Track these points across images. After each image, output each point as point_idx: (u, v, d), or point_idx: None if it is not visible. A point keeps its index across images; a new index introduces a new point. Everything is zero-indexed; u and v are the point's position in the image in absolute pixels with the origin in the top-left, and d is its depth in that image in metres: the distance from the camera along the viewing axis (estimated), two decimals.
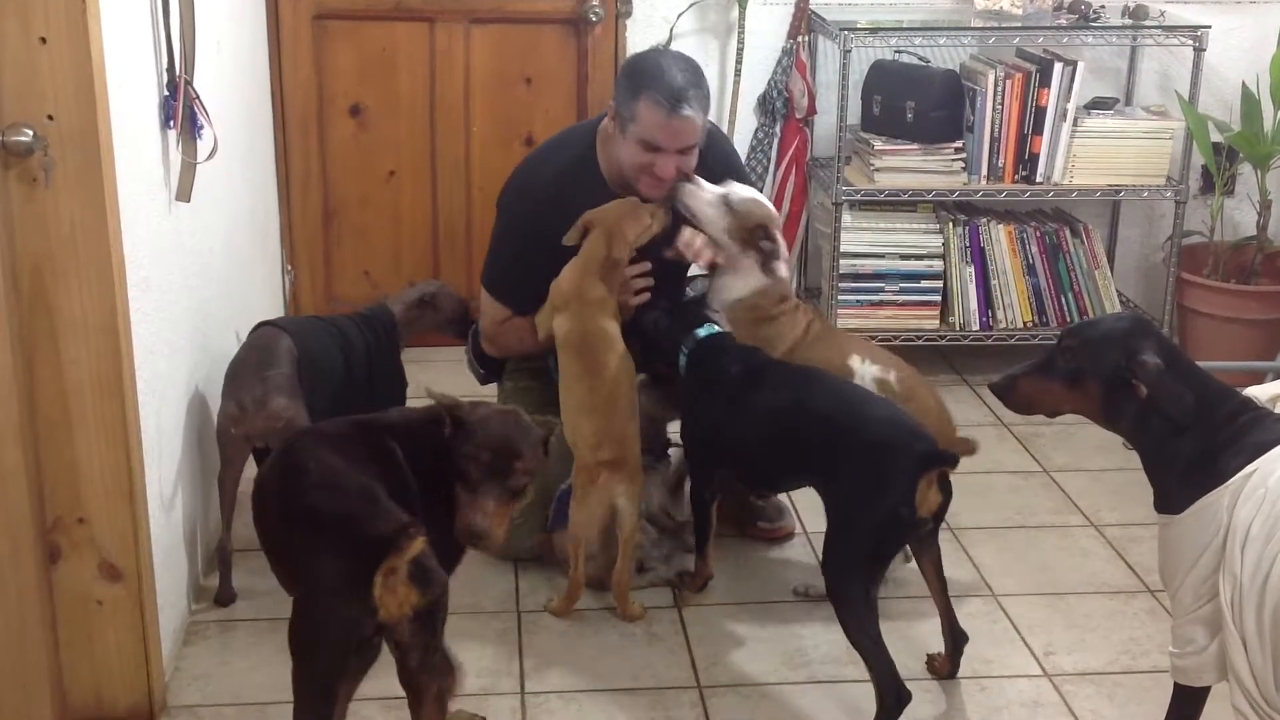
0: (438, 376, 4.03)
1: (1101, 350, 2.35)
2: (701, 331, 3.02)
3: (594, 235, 2.99)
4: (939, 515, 2.66)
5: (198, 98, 2.83)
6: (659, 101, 2.97)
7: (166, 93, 2.75)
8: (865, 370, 3.05)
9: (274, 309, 4.22)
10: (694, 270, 3.33)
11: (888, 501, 2.56)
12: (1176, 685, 2.40)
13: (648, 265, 3.08)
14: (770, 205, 3.21)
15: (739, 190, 3.10)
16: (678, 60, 3.07)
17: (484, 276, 3.34)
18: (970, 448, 2.90)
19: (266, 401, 2.88)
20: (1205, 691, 2.37)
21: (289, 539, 2.31)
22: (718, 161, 3.22)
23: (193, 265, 3.07)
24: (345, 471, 2.30)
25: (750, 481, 3.12)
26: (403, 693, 2.77)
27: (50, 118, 2.30)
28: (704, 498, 3.05)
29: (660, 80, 2.98)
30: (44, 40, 2.27)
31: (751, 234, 3.06)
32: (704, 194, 3.06)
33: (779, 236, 3.11)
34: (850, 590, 2.59)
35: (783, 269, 3.11)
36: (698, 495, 3.06)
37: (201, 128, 2.85)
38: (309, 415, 2.89)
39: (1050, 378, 2.42)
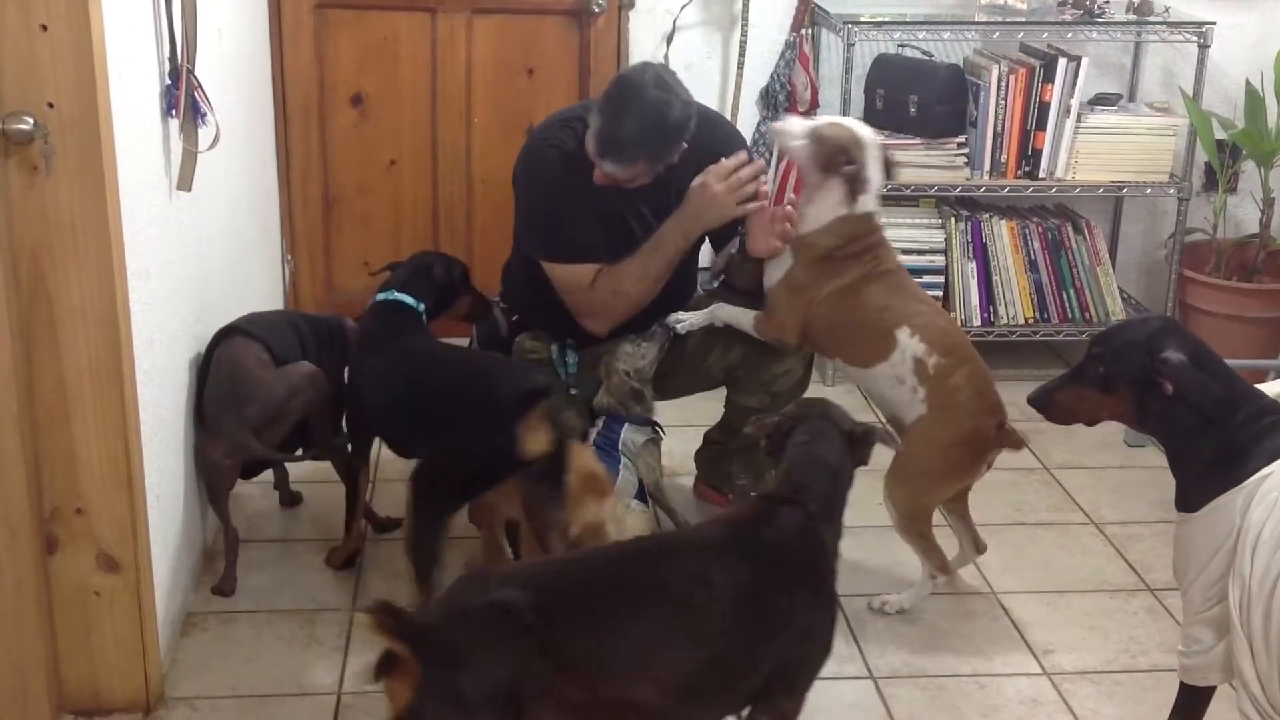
0: None
1: (1127, 354, 2.37)
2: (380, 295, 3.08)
3: None
4: (557, 458, 2.69)
5: (199, 86, 2.81)
6: (593, 139, 2.96)
7: (168, 81, 2.74)
8: (908, 345, 2.98)
9: (274, 298, 4.20)
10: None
11: (489, 438, 2.67)
12: (1182, 684, 2.40)
13: (744, 156, 3.06)
14: (862, 128, 3.06)
15: (828, 118, 3.07)
16: (651, 102, 2.93)
17: (544, 253, 3.16)
18: (1016, 442, 2.97)
19: (250, 442, 2.92)
20: (1210, 692, 2.37)
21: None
22: (708, 156, 3.10)
23: (192, 254, 3.05)
24: None
25: (392, 446, 3.13)
26: None
27: (51, 105, 2.29)
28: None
29: (611, 120, 2.93)
30: (45, 27, 2.25)
31: (832, 159, 2.96)
32: (792, 128, 3.02)
33: (867, 159, 2.97)
34: (429, 507, 2.72)
35: (867, 200, 2.99)
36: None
37: (204, 116, 2.84)
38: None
39: (1084, 387, 2.44)
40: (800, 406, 2.54)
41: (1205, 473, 2.28)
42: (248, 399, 2.93)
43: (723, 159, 3.05)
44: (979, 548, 3.17)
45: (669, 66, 3.20)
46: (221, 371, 2.97)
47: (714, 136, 3.17)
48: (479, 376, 2.88)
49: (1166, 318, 2.44)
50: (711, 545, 2.18)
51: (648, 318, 3.21)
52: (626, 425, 3.21)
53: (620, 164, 2.97)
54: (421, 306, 3.10)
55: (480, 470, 2.73)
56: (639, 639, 2.06)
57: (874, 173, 2.99)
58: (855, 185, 2.97)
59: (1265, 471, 2.21)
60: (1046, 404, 2.52)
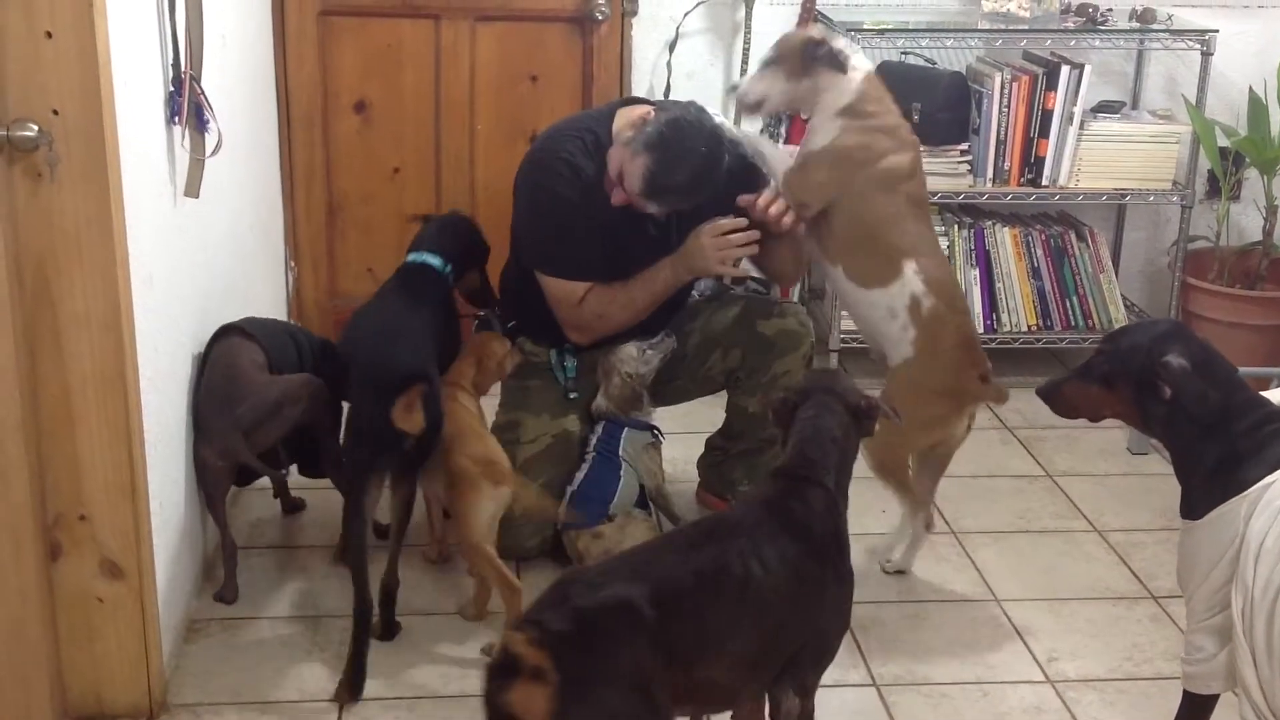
0: None
1: (1131, 354, 2.38)
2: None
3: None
4: (427, 440, 2.85)
5: (203, 93, 2.82)
6: (641, 180, 2.93)
7: (172, 88, 2.74)
8: (911, 280, 3.02)
9: (277, 305, 4.21)
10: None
11: (367, 416, 2.86)
12: (1185, 692, 2.40)
13: (744, 222, 3.06)
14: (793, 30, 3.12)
15: (771, 49, 3.07)
16: (705, 156, 2.94)
17: (539, 265, 3.17)
18: (999, 395, 3.12)
19: (239, 444, 2.91)
20: (1214, 700, 2.37)
21: None
22: (735, 190, 3.11)
23: (196, 261, 3.06)
24: None
25: None
26: (403, 693, 2.78)
27: (55, 112, 2.29)
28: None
29: (664, 167, 2.91)
30: (49, 35, 2.26)
31: (803, 57, 2.98)
32: (750, 82, 3.06)
33: (828, 38, 3.02)
34: (355, 488, 2.89)
35: (858, 59, 3.01)
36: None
37: (207, 123, 2.84)
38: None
39: (1088, 383, 2.47)
40: (808, 379, 2.62)
41: (1208, 480, 2.29)
42: (239, 399, 2.92)
43: (718, 220, 3.05)
44: (928, 526, 3.22)
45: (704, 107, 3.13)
46: (216, 370, 2.96)
47: (743, 175, 3.14)
48: (378, 352, 2.97)
49: (1177, 322, 2.47)
50: (759, 525, 2.23)
51: (641, 327, 3.22)
52: (626, 430, 3.21)
53: (663, 207, 2.99)
54: (448, 268, 3.19)
55: (366, 443, 2.87)
56: (722, 621, 2.12)
57: (839, 41, 3.05)
58: (838, 59, 2.98)
59: (1268, 480, 2.20)
60: (1053, 395, 2.55)
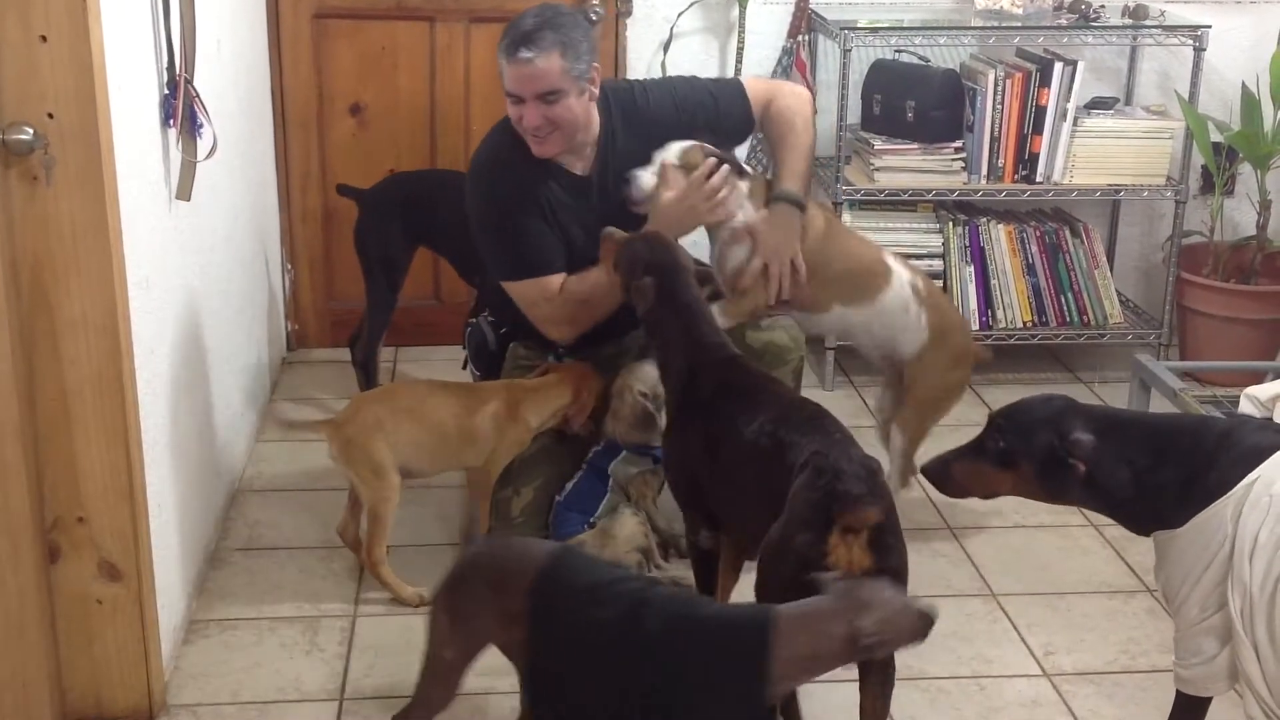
0: (433, 376, 4.05)
1: (1033, 431, 2.34)
2: None
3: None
4: None
5: (198, 96, 2.83)
6: (503, 49, 2.95)
7: (166, 91, 2.75)
8: (899, 271, 3.20)
9: (273, 307, 4.22)
10: None
11: None
12: (1179, 694, 2.40)
13: (713, 163, 3.06)
14: (671, 146, 3.09)
15: (670, 149, 3.07)
16: (539, 8, 2.98)
17: (504, 274, 3.14)
18: (987, 355, 3.39)
19: None
20: (1208, 701, 2.37)
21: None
22: (685, 112, 3.16)
23: (193, 264, 3.07)
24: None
25: None
26: (404, 692, 2.78)
27: (50, 116, 2.30)
28: None
29: (510, 28, 2.95)
30: (44, 39, 2.27)
31: (694, 167, 3.03)
32: (643, 177, 3.05)
33: (715, 149, 3.06)
34: None
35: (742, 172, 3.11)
36: None
37: (201, 126, 2.85)
38: None
39: (982, 460, 2.41)
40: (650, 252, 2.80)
41: (1179, 495, 2.26)
42: None
43: (693, 173, 3.04)
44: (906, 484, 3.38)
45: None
46: None
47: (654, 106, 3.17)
48: None
49: (1067, 397, 2.41)
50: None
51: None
52: (624, 452, 3.19)
53: (532, 49, 2.91)
54: None
55: None
56: None
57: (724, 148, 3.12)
58: (732, 164, 3.08)
59: (1251, 477, 2.20)
60: (943, 475, 2.48)
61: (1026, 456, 2.35)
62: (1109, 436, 2.30)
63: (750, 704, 1.98)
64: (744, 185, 3.11)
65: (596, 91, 3.06)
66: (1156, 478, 2.28)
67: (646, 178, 3.05)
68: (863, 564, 2.14)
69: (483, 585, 2.23)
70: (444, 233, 3.80)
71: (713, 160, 3.05)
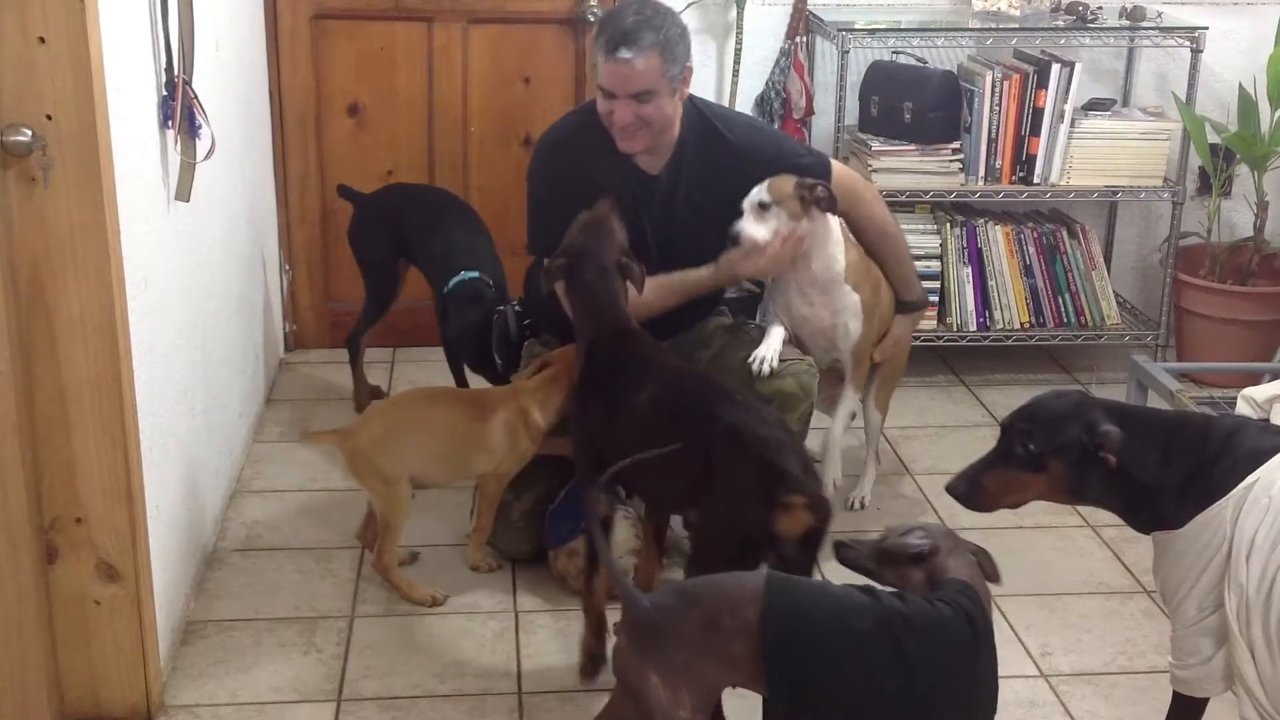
0: (431, 376, 4.06)
1: (1059, 429, 2.30)
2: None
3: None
4: None
5: (196, 98, 2.83)
6: (602, 45, 2.95)
7: (165, 93, 2.75)
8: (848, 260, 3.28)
9: (272, 308, 4.22)
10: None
11: None
12: (1176, 695, 2.40)
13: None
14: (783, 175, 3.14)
15: (754, 192, 3.07)
16: (638, 4, 2.98)
17: (539, 250, 3.12)
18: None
19: None
20: (1205, 701, 2.38)
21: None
22: (759, 165, 3.12)
23: (191, 265, 3.07)
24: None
25: None
26: (413, 693, 2.79)
27: (49, 117, 2.30)
28: None
29: (608, 24, 2.96)
30: (43, 40, 2.27)
31: (800, 199, 3.05)
32: (752, 221, 3.06)
33: (819, 183, 3.09)
34: None
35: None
36: None
37: (200, 127, 2.85)
38: None
39: (1012, 467, 2.36)
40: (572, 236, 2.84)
41: (1180, 494, 2.27)
42: None
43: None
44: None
45: None
46: None
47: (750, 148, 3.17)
48: None
49: (1078, 390, 2.40)
50: None
51: (669, 322, 3.15)
52: None
53: (631, 49, 2.92)
54: None
55: None
56: None
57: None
58: (827, 203, 3.09)
59: (1251, 479, 2.21)
60: (973, 491, 2.39)
61: (1057, 455, 2.31)
62: (1128, 428, 2.30)
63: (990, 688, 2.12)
64: (834, 221, 3.16)
65: (687, 91, 3.09)
66: (1164, 472, 2.29)
67: (752, 229, 3.05)
68: (807, 523, 2.38)
69: (695, 632, 2.07)
70: (414, 248, 3.83)
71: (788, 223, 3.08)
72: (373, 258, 3.93)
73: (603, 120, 3.03)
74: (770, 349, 3.12)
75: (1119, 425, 2.29)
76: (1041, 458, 2.32)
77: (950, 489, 2.43)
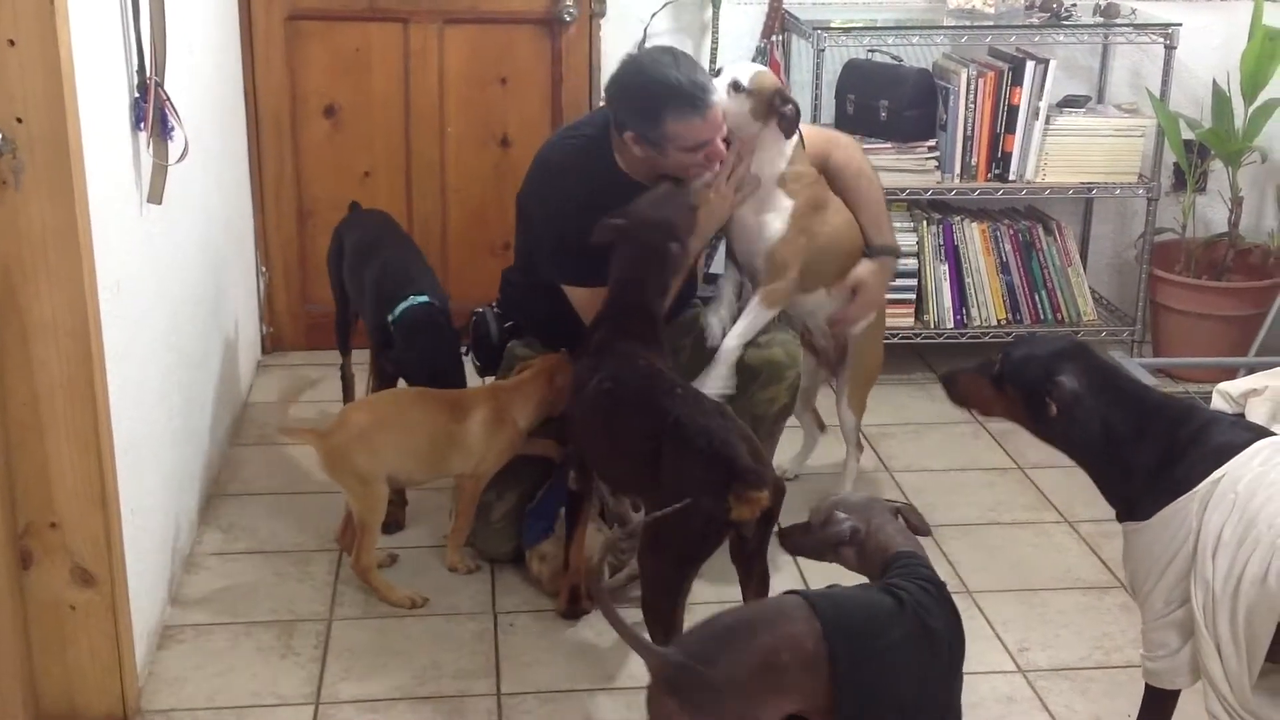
0: None
1: (1026, 365, 2.43)
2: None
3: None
4: None
5: (168, 99, 2.81)
6: (688, 112, 2.92)
7: (137, 94, 2.74)
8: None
9: (248, 311, 4.21)
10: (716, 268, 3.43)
11: None
12: (1148, 687, 2.42)
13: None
14: (763, 68, 3.17)
15: (741, 69, 3.07)
16: (666, 62, 2.96)
17: (561, 274, 3.11)
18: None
19: None
20: (1177, 693, 2.39)
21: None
22: None
23: (165, 268, 3.06)
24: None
25: None
26: (391, 695, 2.78)
27: (19, 120, 2.29)
28: None
29: (676, 92, 2.91)
30: (12, 42, 2.26)
31: (769, 103, 3.05)
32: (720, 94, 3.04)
33: (792, 100, 3.08)
34: None
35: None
36: None
37: (172, 129, 2.84)
38: None
39: (984, 377, 2.51)
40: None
41: (1150, 482, 2.29)
42: None
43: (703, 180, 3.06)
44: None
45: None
46: None
47: None
48: None
49: (1081, 344, 2.47)
50: None
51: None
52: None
53: (710, 93, 2.93)
54: None
55: None
56: None
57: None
58: (788, 122, 3.07)
59: (1218, 474, 2.22)
60: (951, 382, 2.61)
61: (1015, 385, 2.44)
62: (1101, 393, 2.35)
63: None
64: (789, 145, 3.12)
65: None
66: (1132, 452, 2.32)
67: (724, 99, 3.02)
68: (763, 506, 2.47)
69: (750, 675, 1.99)
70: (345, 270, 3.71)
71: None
72: (335, 278, 3.80)
73: (681, 173, 3.01)
74: (717, 317, 3.18)
75: (1099, 387, 2.35)
76: (1004, 380, 2.46)
77: (940, 375, 2.66)
